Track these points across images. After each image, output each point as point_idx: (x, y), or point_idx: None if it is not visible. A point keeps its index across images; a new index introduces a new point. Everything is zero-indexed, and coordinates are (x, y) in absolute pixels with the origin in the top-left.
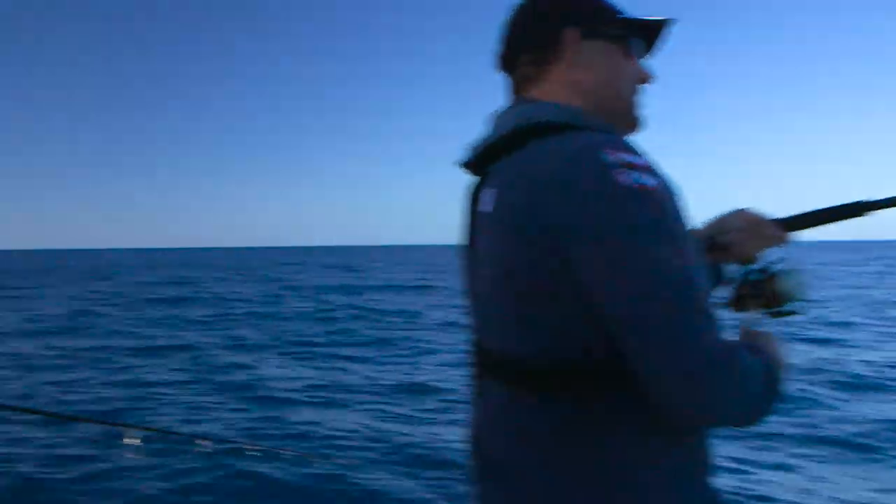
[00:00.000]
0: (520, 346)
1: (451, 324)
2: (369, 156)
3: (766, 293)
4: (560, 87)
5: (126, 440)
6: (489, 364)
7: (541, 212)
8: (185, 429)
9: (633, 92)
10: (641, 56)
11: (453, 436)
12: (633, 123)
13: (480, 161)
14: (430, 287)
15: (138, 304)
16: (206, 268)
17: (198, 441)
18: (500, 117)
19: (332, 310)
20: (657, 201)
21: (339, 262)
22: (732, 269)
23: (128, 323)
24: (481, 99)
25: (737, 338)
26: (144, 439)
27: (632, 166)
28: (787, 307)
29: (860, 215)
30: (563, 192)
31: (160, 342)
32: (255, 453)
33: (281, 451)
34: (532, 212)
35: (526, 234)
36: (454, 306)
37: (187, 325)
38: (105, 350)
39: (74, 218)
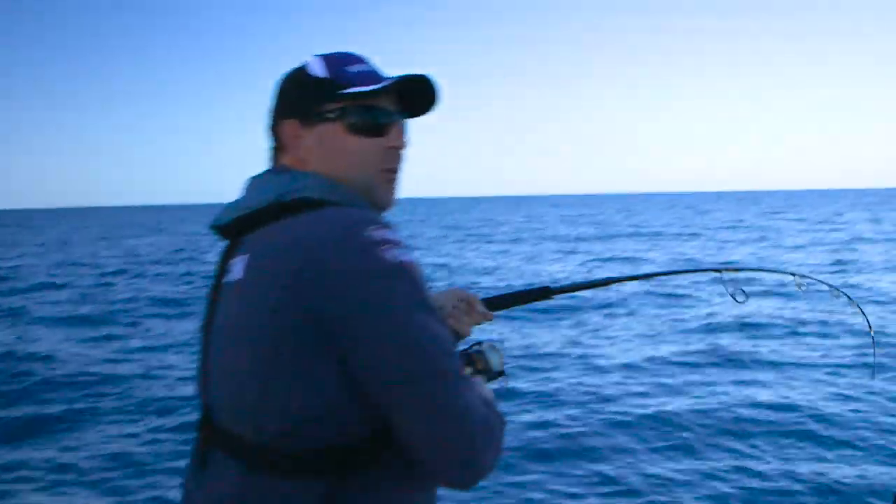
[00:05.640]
0: (265, 431)
1: None
2: None
3: (476, 366)
4: (300, 168)
5: None
6: (223, 442)
7: (302, 290)
8: None
9: (373, 168)
10: (383, 123)
11: None
12: (378, 204)
13: (234, 228)
14: None
15: None
16: None
17: None
18: (257, 184)
19: None
20: (418, 277)
21: None
22: None
23: None
24: None
25: None
26: None
27: (394, 242)
28: (495, 373)
29: (549, 298)
30: (327, 271)
31: None
32: None
33: None
34: (291, 289)
35: (281, 312)
36: None
37: None
38: None
39: None
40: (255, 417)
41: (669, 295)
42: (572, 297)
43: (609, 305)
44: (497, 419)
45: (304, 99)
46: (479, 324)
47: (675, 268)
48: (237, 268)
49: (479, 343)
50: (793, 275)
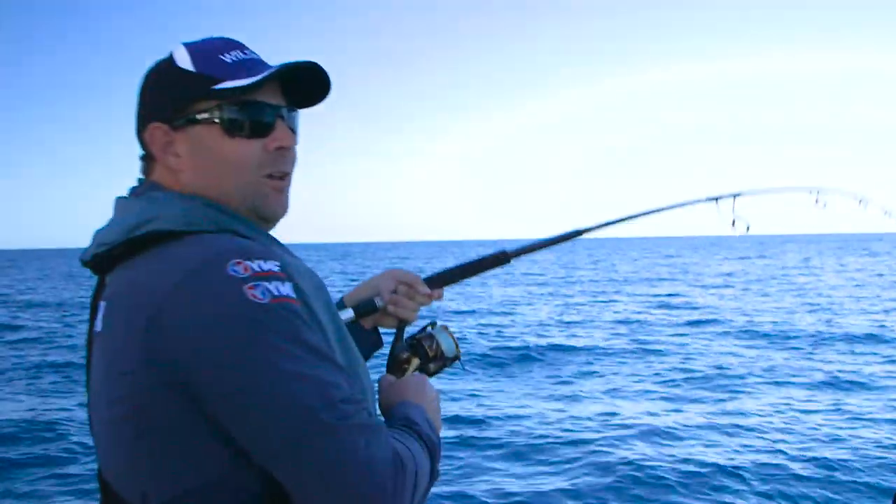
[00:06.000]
0: (152, 500)
1: None
2: None
3: (427, 351)
4: (172, 184)
5: None
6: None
7: (153, 347)
8: None
9: (256, 175)
10: (266, 121)
11: None
12: (265, 216)
13: (98, 264)
14: None
15: None
16: None
17: None
18: (118, 209)
19: None
20: (293, 312)
21: None
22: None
23: None
24: None
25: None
26: None
27: (262, 276)
28: (449, 358)
29: (506, 263)
30: (185, 317)
31: None
32: None
33: None
34: (142, 347)
35: (136, 374)
36: None
37: None
38: None
39: None
40: (138, 485)
41: (648, 350)
42: (547, 354)
43: (587, 360)
44: (418, 453)
45: (171, 97)
46: (425, 305)
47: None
48: (99, 316)
49: (433, 324)
50: (808, 191)
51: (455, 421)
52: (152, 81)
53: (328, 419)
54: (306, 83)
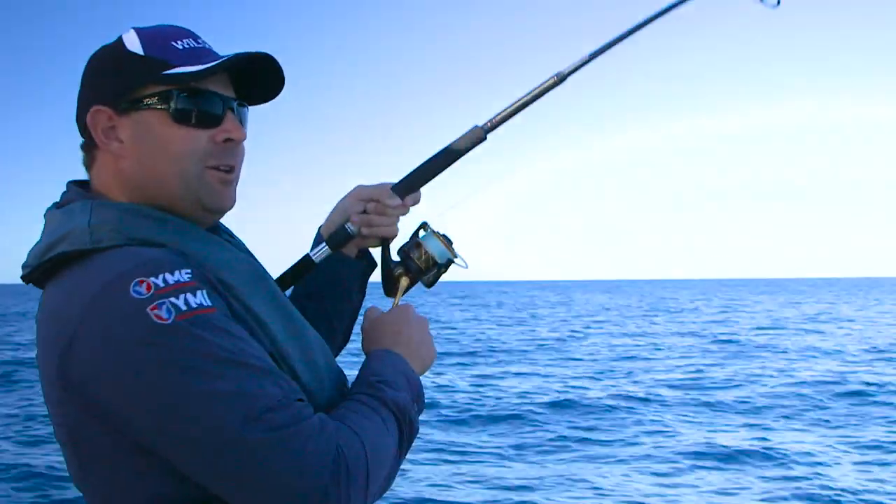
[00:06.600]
0: None
1: None
2: None
3: (417, 263)
4: (107, 176)
5: None
6: None
7: (69, 379)
8: None
9: (199, 166)
10: (215, 111)
11: None
12: (209, 207)
13: (31, 281)
14: None
15: None
16: None
17: None
18: (48, 222)
19: None
20: (206, 324)
21: None
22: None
23: None
24: None
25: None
26: None
27: (167, 291)
28: (442, 264)
29: (482, 140)
30: (92, 348)
31: None
32: None
33: None
34: (62, 372)
35: (63, 406)
36: None
37: None
38: None
39: None
40: (95, 497)
41: (706, 403)
42: (599, 405)
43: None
44: (375, 433)
45: (118, 80)
46: (402, 215)
47: None
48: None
49: (424, 226)
50: None
51: (493, 485)
52: (98, 64)
53: (255, 436)
54: (259, 78)
